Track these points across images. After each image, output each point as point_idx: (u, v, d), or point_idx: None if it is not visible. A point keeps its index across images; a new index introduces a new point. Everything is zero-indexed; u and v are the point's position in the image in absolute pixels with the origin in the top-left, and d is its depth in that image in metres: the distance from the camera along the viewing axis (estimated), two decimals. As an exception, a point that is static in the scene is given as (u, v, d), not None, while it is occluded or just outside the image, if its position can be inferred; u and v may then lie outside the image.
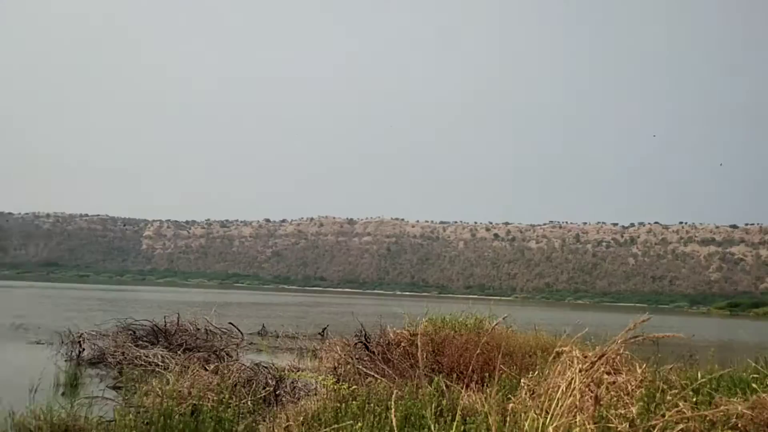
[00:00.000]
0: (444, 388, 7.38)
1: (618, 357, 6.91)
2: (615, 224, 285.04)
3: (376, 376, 10.08)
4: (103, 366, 17.95)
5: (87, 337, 20.29)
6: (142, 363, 16.50)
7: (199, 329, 21.20)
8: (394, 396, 7.18)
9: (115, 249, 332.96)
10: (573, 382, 4.98)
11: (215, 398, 8.67)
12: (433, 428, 5.41)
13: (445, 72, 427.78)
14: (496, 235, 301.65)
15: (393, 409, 5.96)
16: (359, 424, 5.91)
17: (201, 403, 7.78)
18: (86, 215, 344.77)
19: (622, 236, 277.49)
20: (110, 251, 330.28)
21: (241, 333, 23.67)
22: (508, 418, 5.63)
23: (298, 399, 10.38)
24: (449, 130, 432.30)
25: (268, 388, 11.03)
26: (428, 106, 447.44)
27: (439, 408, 6.56)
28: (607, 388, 6.18)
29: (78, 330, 20.90)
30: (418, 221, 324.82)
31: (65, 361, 18.22)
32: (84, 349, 19.56)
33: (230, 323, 23.49)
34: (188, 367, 12.87)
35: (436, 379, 8.06)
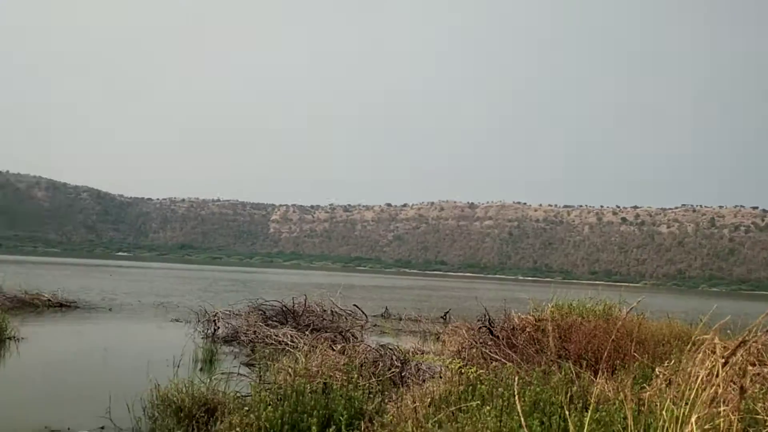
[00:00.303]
0: (573, 374, 7.22)
1: (762, 347, 6.51)
2: (755, 207, 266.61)
3: (503, 360, 9.98)
4: (236, 344, 18.78)
5: (221, 316, 21.32)
6: (273, 342, 17.14)
7: (325, 310, 21.76)
8: (519, 381, 7.10)
9: (244, 232, 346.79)
10: (714, 371, 4.73)
11: (343, 377, 8.89)
12: (565, 415, 5.30)
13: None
14: (623, 219, 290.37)
15: (518, 394, 5.88)
16: (487, 407, 5.88)
17: (330, 381, 8.00)
18: (218, 200, 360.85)
19: (763, 220, 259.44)
20: (240, 234, 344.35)
21: (365, 315, 24.11)
22: (643, 407, 5.44)
23: (423, 381, 10.44)
24: (576, 114, 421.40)
25: (393, 370, 11.17)
26: (558, 91, 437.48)
27: (569, 395, 6.42)
28: (751, 379, 5.84)
29: (213, 309, 22.00)
30: (540, 205, 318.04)
31: (202, 338, 19.21)
32: (219, 328, 20.55)
33: (354, 305, 23.98)
34: (316, 347, 13.23)
35: (564, 365, 7.89)
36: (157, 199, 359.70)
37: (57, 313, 24.39)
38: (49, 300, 26.21)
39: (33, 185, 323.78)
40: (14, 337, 16.86)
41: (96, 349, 16.78)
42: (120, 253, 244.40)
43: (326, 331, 18.06)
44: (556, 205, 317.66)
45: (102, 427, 8.83)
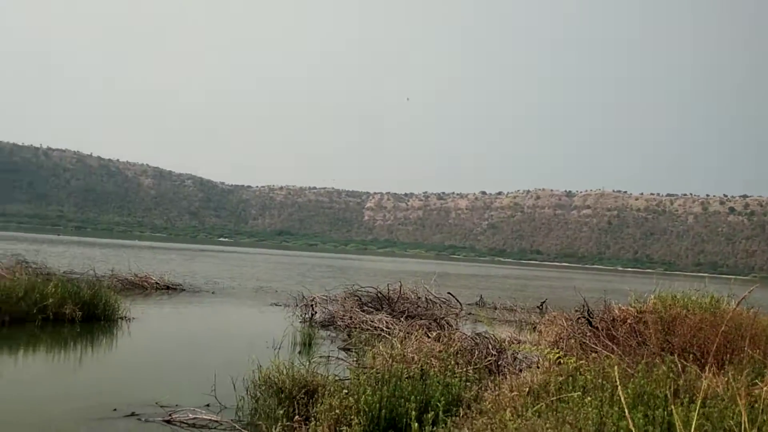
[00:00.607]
0: (679, 368, 6.98)
1: None
2: None
3: (603, 351, 9.75)
4: (333, 328, 19.15)
5: (318, 301, 21.78)
6: (369, 327, 17.37)
7: (419, 298, 21.85)
8: (620, 372, 6.92)
9: (339, 220, 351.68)
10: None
11: (440, 364, 8.91)
12: (670, 409, 5.14)
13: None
14: (731, 209, 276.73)
15: (620, 386, 5.74)
16: (588, 398, 5.77)
17: (427, 368, 8.04)
18: (314, 188, 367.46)
19: None
20: (335, 222, 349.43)
21: (460, 303, 24.06)
22: (756, 404, 5.20)
23: (520, 371, 10.34)
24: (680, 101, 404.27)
25: (489, 358, 11.11)
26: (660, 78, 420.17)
27: (675, 388, 6.20)
28: None
29: (310, 294, 22.49)
30: (642, 194, 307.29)
31: (300, 322, 19.68)
32: (316, 312, 21.01)
33: (449, 293, 23.96)
34: (411, 334, 13.31)
35: (668, 358, 7.63)
36: (257, 186, 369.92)
37: (164, 295, 25.51)
38: (157, 283, 27.44)
39: (141, 173, 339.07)
40: (125, 317, 17.78)
41: (200, 329, 17.49)
42: (221, 239, 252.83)
43: (421, 318, 18.13)
44: (658, 194, 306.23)
45: (207, 405, 9.20)
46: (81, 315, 16.49)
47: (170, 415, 8.74)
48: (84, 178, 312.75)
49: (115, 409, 8.92)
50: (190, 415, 8.70)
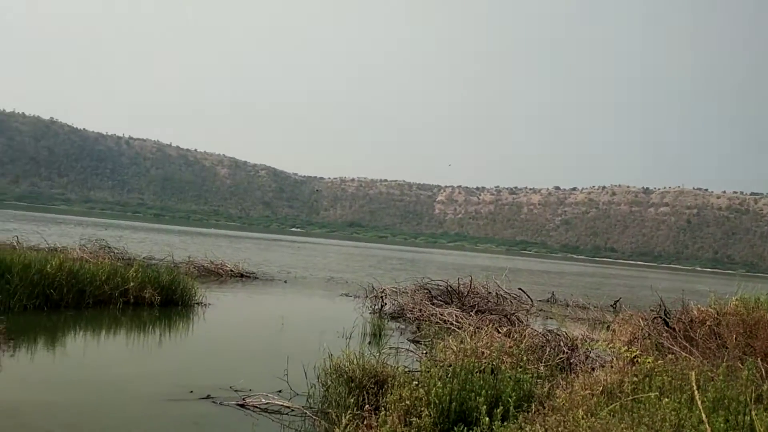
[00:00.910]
0: (762, 373, 6.72)
1: None
2: None
3: (681, 353, 9.47)
4: (402, 320, 19.22)
5: (388, 293, 21.88)
6: (438, 321, 17.35)
7: (490, 293, 21.64)
8: (695, 374, 6.70)
9: (410, 212, 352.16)
10: None
11: (511, 360, 8.84)
12: (752, 414, 4.95)
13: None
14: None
15: (699, 388, 5.57)
16: (666, 399, 5.62)
17: (498, 363, 7.98)
18: (385, 180, 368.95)
19: None
20: (406, 214, 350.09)
21: (531, 299, 23.74)
22: None
23: (592, 369, 10.15)
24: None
25: (561, 356, 10.95)
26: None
27: (758, 394, 5.97)
28: None
29: (380, 286, 22.62)
30: (724, 192, 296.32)
31: (369, 313, 19.83)
32: (386, 304, 21.12)
33: (520, 289, 23.65)
34: (481, 328, 13.23)
35: (748, 361, 7.36)
36: (329, 178, 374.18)
37: (238, 283, 26.10)
38: (231, 270, 28.10)
39: (217, 163, 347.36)
40: (202, 303, 18.28)
41: (273, 317, 17.79)
42: (293, 229, 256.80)
43: (491, 314, 17.99)
44: (741, 193, 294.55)
45: (279, 391, 9.37)
46: (160, 299, 17.05)
47: (244, 399, 8.95)
48: (163, 167, 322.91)
49: (191, 391, 9.19)
50: (263, 400, 8.89)
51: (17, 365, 10.07)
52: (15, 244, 23.16)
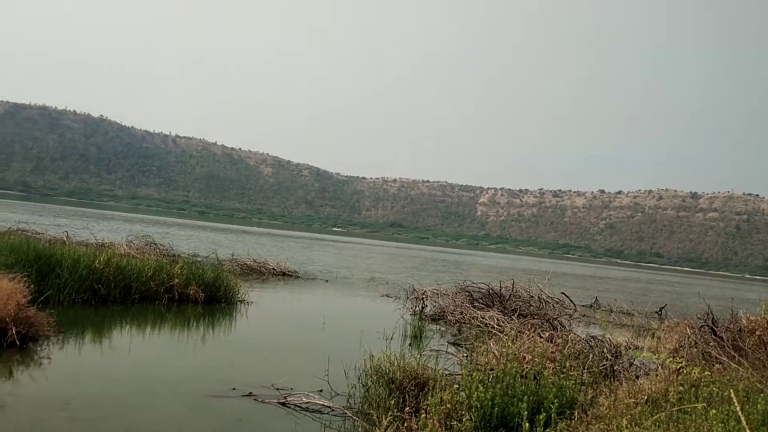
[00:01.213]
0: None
1: None
2: None
3: (729, 363, 9.25)
4: (443, 323, 19.15)
5: (429, 294, 21.82)
6: (479, 323, 17.26)
7: (532, 296, 21.44)
8: (749, 387, 6.54)
9: (452, 214, 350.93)
10: None
11: (554, 366, 8.74)
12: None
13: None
14: None
15: (749, 400, 5.44)
16: (713, 411, 5.49)
17: (541, 368, 7.90)
18: (427, 181, 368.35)
19: None
20: (447, 216, 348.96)
21: (574, 304, 23.44)
22: None
23: (637, 377, 9.99)
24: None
25: (605, 363, 10.79)
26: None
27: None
28: None
29: (421, 288, 22.58)
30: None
31: (410, 314, 19.81)
32: (426, 306, 21.07)
33: (563, 293, 23.38)
34: (523, 333, 13.12)
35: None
36: (371, 178, 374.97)
37: (280, 281, 26.33)
38: (274, 269, 28.34)
39: (261, 162, 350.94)
40: (244, 300, 18.49)
41: (314, 316, 17.90)
42: (335, 229, 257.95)
43: (533, 318, 17.82)
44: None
45: (320, 390, 9.43)
46: (204, 296, 17.30)
47: (285, 397, 9.02)
48: (208, 165, 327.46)
49: (233, 388, 9.30)
50: (304, 399, 8.96)
51: (66, 358, 10.32)
52: (65, 239, 23.75)
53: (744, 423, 4.11)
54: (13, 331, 10.12)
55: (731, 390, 5.62)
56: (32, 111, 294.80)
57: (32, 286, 11.86)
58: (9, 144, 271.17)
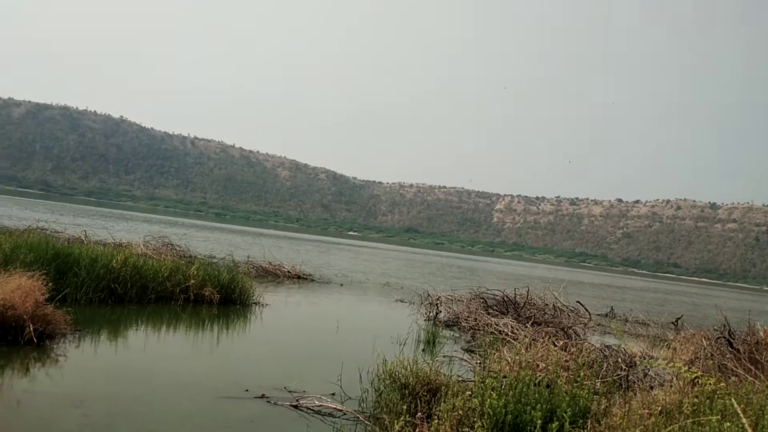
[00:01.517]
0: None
1: None
2: None
3: (746, 376, 9.16)
4: (457, 329, 19.11)
5: (443, 300, 21.79)
6: (493, 330, 17.20)
7: (547, 305, 21.34)
8: (762, 400, 6.47)
9: (468, 220, 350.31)
10: None
11: (567, 375, 8.70)
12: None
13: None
14: None
15: (740, 413, 5.39)
16: (727, 424, 5.44)
17: (555, 377, 7.86)
18: (444, 187, 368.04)
19: None
20: (463, 222, 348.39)
21: (589, 313, 23.30)
22: None
23: (651, 388, 9.92)
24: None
25: (619, 372, 10.72)
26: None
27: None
28: None
29: (435, 293, 22.55)
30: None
31: (424, 320, 19.79)
32: (440, 311, 21.04)
33: (578, 302, 23.25)
34: (537, 341, 13.07)
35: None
36: (387, 183, 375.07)
37: (294, 284, 26.38)
38: (289, 272, 28.43)
39: (278, 165, 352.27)
40: (259, 303, 18.55)
41: (328, 320, 17.96)
42: (351, 233, 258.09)
43: (548, 326, 17.74)
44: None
45: (333, 394, 9.44)
46: (219, 298, 17.39)
47: (297, 400, 9.05)
48: (226, 168, 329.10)
49: (246, 390, 9.34)
50: (316, 403, 8.97)
51: (82, 356, 10.40)
52: (83, 238, 23.96)
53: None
54: (31, 329, 10.22)
55: (733, 400, 5.57)
56: (54, 111, 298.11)
57: (50, 284, 11.98)
58: (30, 143, 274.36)
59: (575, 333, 17.49)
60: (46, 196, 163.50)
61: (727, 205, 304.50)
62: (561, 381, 7.65)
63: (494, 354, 11.56)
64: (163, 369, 10.48)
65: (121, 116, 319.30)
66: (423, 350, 14.56)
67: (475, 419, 6.67)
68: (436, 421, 6.83)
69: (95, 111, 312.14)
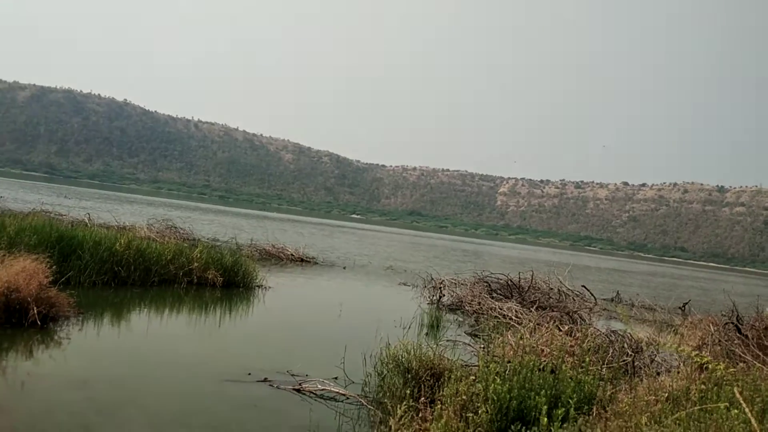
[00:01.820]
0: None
1: None
2: None
3: (754, 362, 9.08)
4: (460, 313, 19.04)
5: (447, 284, 21.71)
6: (497, 315, 17.14)
7: (551, 289, 21.26)
8: (743, 386, 6.40)
9: (471, 203, 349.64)
10: None
11: (573, 360, 8.63)
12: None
13: None
14: None
15: (740, 399, 5.32)
16: (735, 410, 5.36)
17: (559, 362, 7.79)
18: (447, 170, 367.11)
19: None
20: (467, 205, 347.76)
21: (594, 297, 23.22)
22: None
23: (657, 374, 9.85)
24: None
25: (625, 358, 10.65)
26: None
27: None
28: None
29: (438, 277, 22.48)
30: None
31: (427, 304, 19.74)
32: (444, 295, 20.97)
33: (583, 286, 23.17)
34: (541, 325, 12.99)
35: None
36: (391, 166, 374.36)
37: (298, 267, 26.35)
38: (292, 255, 28.39)
39: (282, 148, 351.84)
40: (262, 286, 18.52)
41: (331, 303, 17.91)
42: (354, 216, 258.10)
43: (552, 310, 17.68)
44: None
45: (336, 378, 9.40)
46: (222, 281, 17.37)
47: (300, 384, 9.00)
48: (229, 151, 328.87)
49: (249, 373, 9.30)
50: (319, 386, 8.93)
51: (85, 339, 10.38)
52: (87, 221, 23.94)
53: (752, 419, 3.99)
54: (35, 311, 10.20)
55: (735, 390, 5.48)
56: (58, 94, 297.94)
57: (54, 267, 11.93)
58: (35, 126, 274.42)
59: (580, 318, 17.44)
60: (50, 179, 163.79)
61: (735, 188, 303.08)
62: (566, 366, 7.58)
63: (498, 338, 11.48)
64: (166, 351, 10.45)
65: (125, 99, 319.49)
66: (426, 334, 14.52)
67: (478, 404, 6.61)
68: (439, 406, 6.78)
69: (99, 94, 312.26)
